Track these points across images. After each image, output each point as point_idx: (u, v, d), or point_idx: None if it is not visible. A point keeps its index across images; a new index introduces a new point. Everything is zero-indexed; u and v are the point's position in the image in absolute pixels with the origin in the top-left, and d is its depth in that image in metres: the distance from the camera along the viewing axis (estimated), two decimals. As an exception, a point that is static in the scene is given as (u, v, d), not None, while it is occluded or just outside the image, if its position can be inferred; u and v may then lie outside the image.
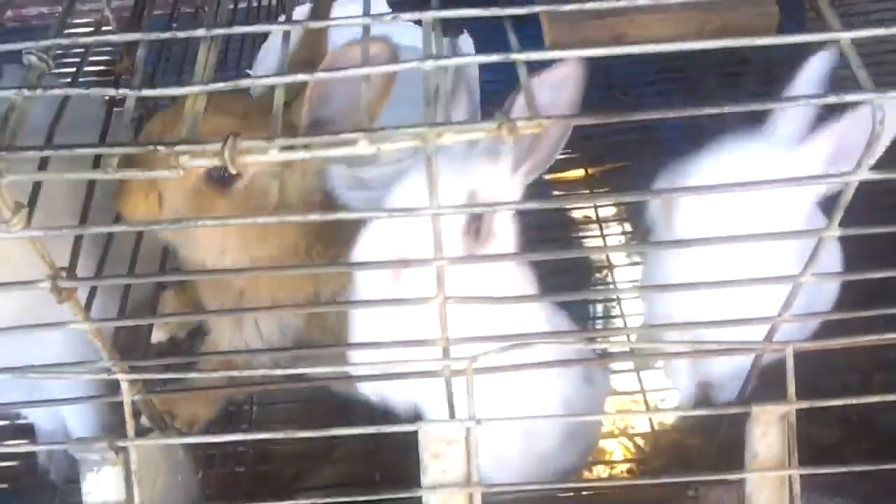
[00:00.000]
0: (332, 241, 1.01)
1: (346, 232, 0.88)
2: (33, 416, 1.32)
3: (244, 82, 0.66)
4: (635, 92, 2.29)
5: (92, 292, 0.80)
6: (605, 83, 2.29)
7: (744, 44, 0.72)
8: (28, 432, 1.39)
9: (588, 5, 0.70)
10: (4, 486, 1.34)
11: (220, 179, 0.93)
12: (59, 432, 1.30)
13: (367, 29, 0.72)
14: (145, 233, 0.99)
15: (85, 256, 0.80)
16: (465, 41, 1.62)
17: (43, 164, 0.72)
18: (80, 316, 0.76)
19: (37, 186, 0.71)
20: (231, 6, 0.78)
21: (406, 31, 1.55)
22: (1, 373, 0.83)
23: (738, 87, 2.19)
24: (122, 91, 0.67)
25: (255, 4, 1.69)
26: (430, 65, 0.66)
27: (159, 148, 0.62)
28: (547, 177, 1.99)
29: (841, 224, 0.69)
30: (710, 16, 1.91)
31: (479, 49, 1.64)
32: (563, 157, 2.02)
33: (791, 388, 0.86)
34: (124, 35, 0.72)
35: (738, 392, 1.05)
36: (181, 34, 0.71)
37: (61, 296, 0.73)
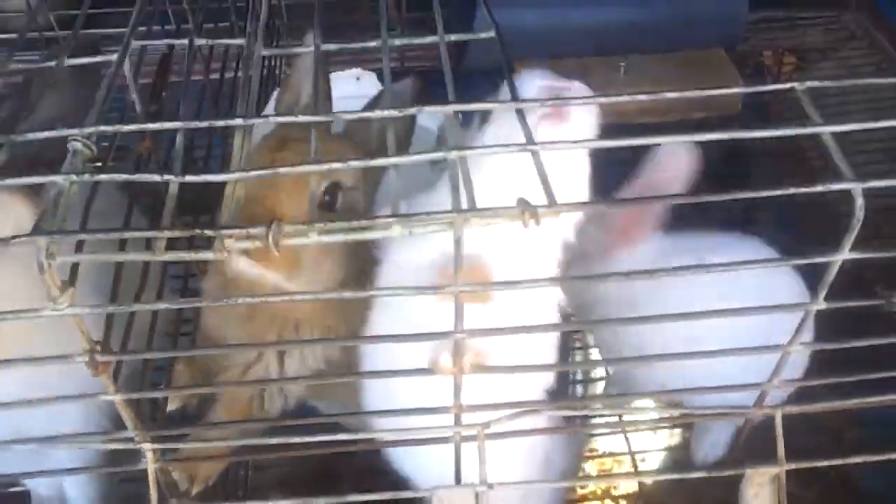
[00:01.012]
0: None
1: None
2: (31, 483, 1.32)
3: (282, 170, 0.72)
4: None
5: (118, 364, 0.83)
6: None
7: (719, 138, 0.79)
8: (21, 500, 1.38)
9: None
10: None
11: (327, 203, 0.99)
12: (56, 499, 1.30)
13: (392, 119, 0.78)
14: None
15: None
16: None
17: (79, 245, 0.76)
18: (110, 388, 0.79)
19: (75, 267, 0.74)
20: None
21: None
22: (25, 444, 0.85)
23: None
24: (166, 177, 0.72)
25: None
26: (454, 155, 0.72)
27: (205, 231, 0.67)
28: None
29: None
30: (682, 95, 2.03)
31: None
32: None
33: (781, 449, 0.91)
34: (165, 124, 0.77)
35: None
36: (219, 123, 0.77)
37: (97, 370, 0.76)
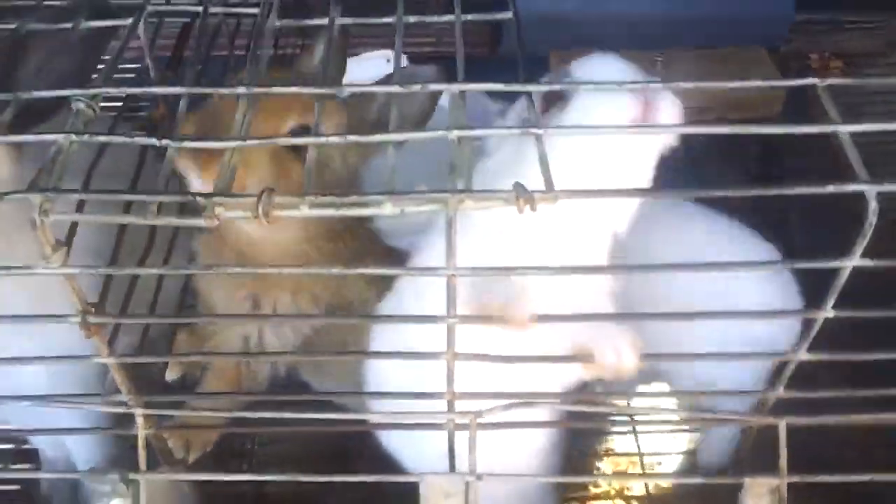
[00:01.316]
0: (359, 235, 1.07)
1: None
2: (37, 442, 1.34)
3: (280, 140, 0.71)
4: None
5: (116, 329, 0.83)
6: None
7: (749, 131, 0.76)
8: (32, 457, 1.41)
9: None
10: (5, 510, 1.36)
11: (297, 148, 0.95)
12: (63, 459, 1.32)
13: (397, 95, 0.76)
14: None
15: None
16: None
17: (80, 206, 0.75)
18: (104, 351, 0.79)
19: (73, 226, 0.75)
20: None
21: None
22: (19, 400, 0.86)
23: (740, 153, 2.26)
24: (164, 142, 0.71)
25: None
26: (455, 135, 0.70)
27: (198, 199, 0.67)
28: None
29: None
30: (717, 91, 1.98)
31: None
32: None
33: (783, 460, 0.88)
34: (168, 88, 0.76)
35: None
36: (223, 91, 0.76)
37: (90, 331, 0.76)
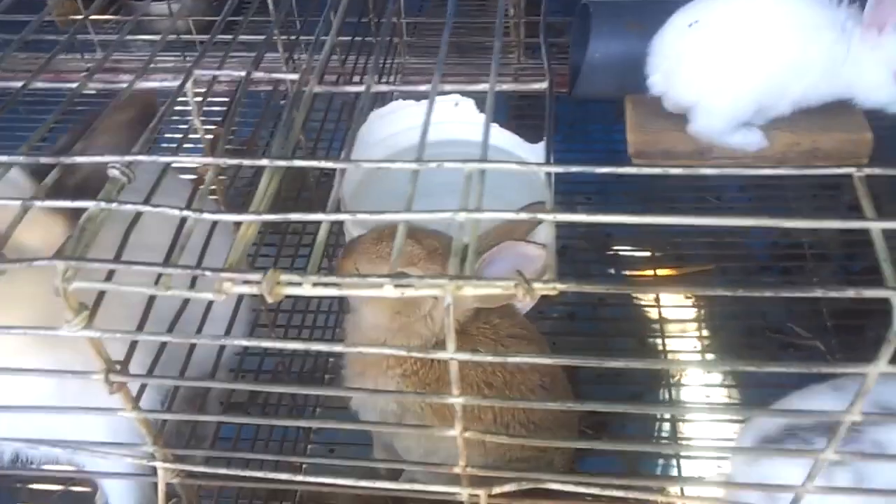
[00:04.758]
0: None
1: None
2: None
3: (292, 216, 0.72)
4: (727, 196, 2.32)
5: (143, 386, 0.86)
6: (696, 187, 2.30)
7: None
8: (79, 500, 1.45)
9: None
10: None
11: None
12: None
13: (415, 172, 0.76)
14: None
15: (141, 350, 0.87)
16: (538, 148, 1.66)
17: (110, 275, 0.78)
18: (127, 406, 0.82)
19: (101, 295, 0.78)
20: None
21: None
22: (51, 445, 0.91)
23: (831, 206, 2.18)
24: (184, 213, 0.74)
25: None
26: (462, 217, 0.70)
27: (206, 273, 0.69)
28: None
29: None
30: (800, 137, 1.89)
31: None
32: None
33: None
34: (198, 158, 0.79)
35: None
36: (247, 162, 0.78)
37: (112, 388, 0.79)
